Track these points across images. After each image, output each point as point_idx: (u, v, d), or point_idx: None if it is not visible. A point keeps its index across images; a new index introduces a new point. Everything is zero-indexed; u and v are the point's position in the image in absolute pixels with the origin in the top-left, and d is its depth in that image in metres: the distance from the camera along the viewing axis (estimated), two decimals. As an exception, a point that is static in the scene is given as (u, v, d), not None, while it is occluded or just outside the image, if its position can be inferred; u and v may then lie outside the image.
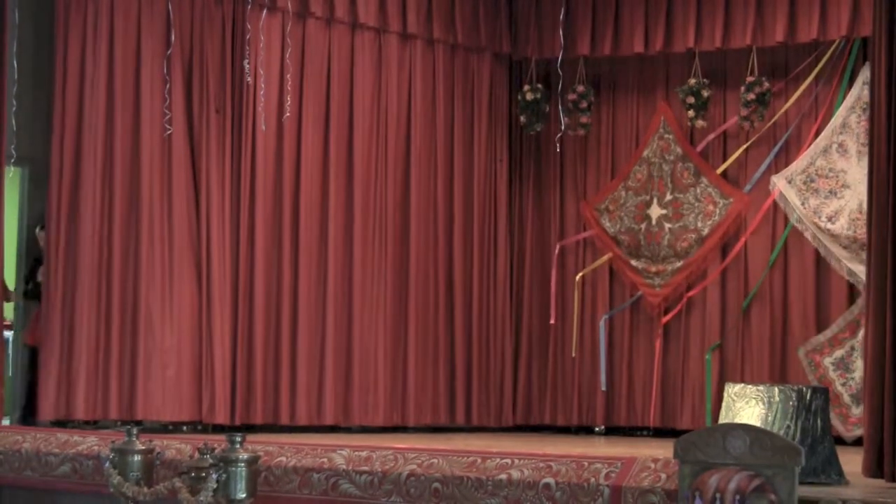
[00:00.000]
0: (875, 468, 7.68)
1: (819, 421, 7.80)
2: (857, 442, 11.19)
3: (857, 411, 11.90)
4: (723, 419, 8.01)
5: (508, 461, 7.29)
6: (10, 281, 11.68)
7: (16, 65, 10.84)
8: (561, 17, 13.28)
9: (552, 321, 13.43)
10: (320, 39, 12.45)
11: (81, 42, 11.22)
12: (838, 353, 12.20)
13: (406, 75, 13.01)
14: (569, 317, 13.45)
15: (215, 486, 7.16)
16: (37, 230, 11.47)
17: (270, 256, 12.03)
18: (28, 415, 11.26)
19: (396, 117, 12.90)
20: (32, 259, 11.57)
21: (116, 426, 10.80)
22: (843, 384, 12.06)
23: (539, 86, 13.52)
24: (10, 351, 11.86)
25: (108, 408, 11.15)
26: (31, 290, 11.52)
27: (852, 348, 12.11)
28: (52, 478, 8.74)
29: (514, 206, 13.78)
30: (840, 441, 8.15)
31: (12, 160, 10.94)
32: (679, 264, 13.02)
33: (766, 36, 12.59)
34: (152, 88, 11.45)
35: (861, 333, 11.94)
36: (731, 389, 8.07)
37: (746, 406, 7.90)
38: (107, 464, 7.66)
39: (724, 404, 8.10)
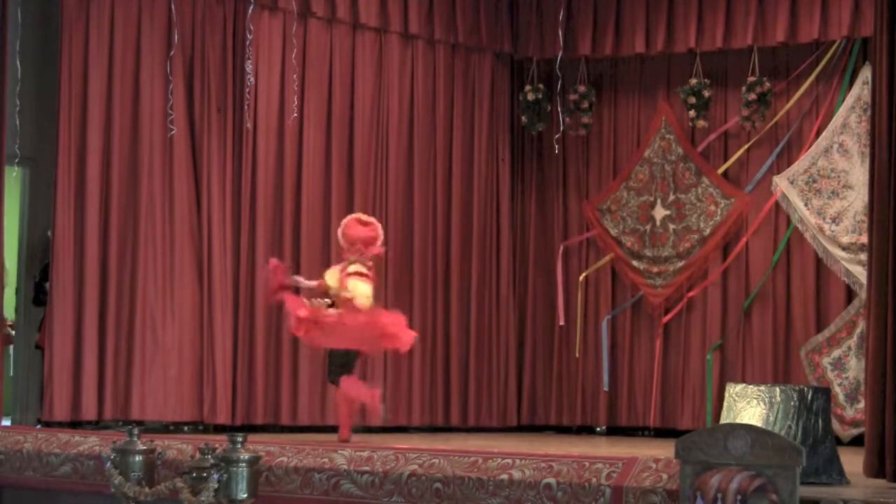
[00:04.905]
0: (876, 468, 7.69)
1: (820, 421, 7.80)
2: (855, 442, 11.22)
3: (850, 411, 11.91)
4: (724, 419, 8.01)
5: (510, 461, 7.29)
6: (12, 279, 11.69)
7: (18, 65, 10.85)
8: (562, 17, 13.29)
9: (560, 322, 13.44)
10: (321, 39, 12.46)
11: (84, 42, 11.23)
12: (836, 352, 12.21)
13: (407, 75, 13.02)
14: (572, 317, 13.46)
15: (216, 486, 7.17)
16: None
17: (271, 256, 12.02)
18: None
19: (398, 117, 12.91)
20: (43, 265, 11.55)
21: (118, 426, 10.81)
22: (840, 384, 12.08)
23: (540, 86, 13.52)
24: (10, 351, 11.88)
25: (110, 408, 11.15)
26: (41, 297, 11.51)
27: (849, 348, 12.13)
28: (53, 478, 8.75)
29: (516, 206, 13.79)
30: (837, 441, 8.15)
31: (16, 160, 10.96)
32: (680, 264, 13.03)
33: (768, 36, 12.59)
34: (154, 88, 11.47)
35: (857, 333, 11.97)
36: (733, 389, 8.07)
37: (748, 406, 7.90)
38: (108, 464, 7.67)
39: (725, 404, 8.10)
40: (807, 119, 12.66)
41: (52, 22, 11.33)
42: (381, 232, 10.51)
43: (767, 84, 12.60)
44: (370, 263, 10.44)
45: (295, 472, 7.87)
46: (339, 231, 10.56)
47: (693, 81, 12.88)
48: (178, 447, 8.26)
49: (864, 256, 11.24)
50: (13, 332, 11.82)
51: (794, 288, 12.63)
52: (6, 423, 10.92)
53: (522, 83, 13.70)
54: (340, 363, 10.34)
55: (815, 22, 12.31)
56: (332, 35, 12.52)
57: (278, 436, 11.20)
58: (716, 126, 13.01)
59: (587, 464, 7.06)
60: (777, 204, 12.66)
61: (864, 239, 11.58)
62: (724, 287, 12.94)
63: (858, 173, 12.10)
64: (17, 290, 11.99)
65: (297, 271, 12.15)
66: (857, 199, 12.16)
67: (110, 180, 11.29)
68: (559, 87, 13.36)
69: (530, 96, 13.51)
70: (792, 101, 12.66)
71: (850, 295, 12.29)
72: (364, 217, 10.63)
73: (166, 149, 11.52)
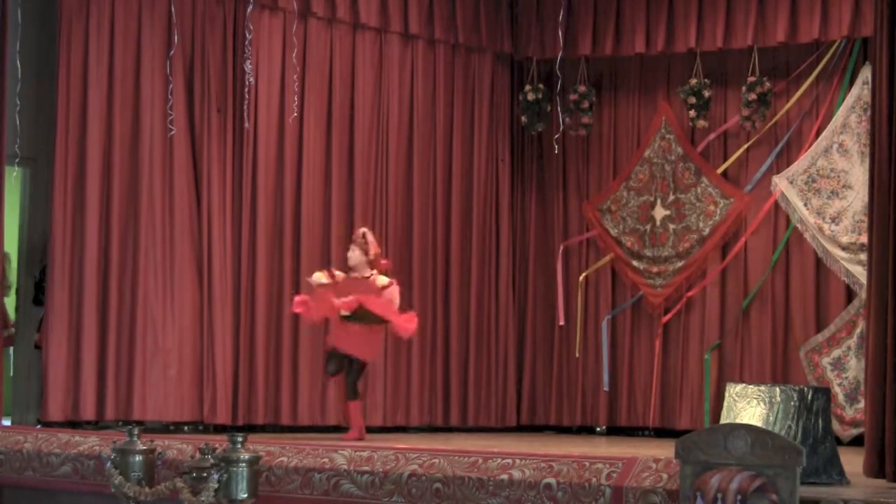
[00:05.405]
0: (876, 468, 7.69)
1: (820, 421, 7.80)
2: (854, 442, 11.23)
3: (850, 412, 11.91)
4: (724, 419, 8.01)
5: (510, 461, 7.29)
6: (13, 277, 11.69)
7: (19, 64, 10.85)
8: (562, 17, 13.29)
9: (560, 322, 13.45)
10: (321, 39, 12.46)
11: (84, 42, 11.22)
12: (836, 352, 12.21)
13: (407, 75, 13.02)
14: (572, 317, 13.46)
15: (216, 486, 7.17)
16: None
17: (272, 256, 12.03)
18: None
19: (398, 117, 12.91)
20: (43, 265, 11.54)
21: (118, 426, 10.81)
22: (839, 384, 12.08)
23: (540, 86, 13.52)
24: (10, 351, 11.87)
25: (110, 408, 11.15)
26: (41, 297, 11.51)
27: (849, 348, 12.12)
28: (53, 478, 8.75)
29: (515, 206, 13.79)
30: (837, 441, 8.15)
31: (16, 160, 10.96)
32: (680, 264, 13.03)
33: (768, 36, 12.60)
34: (154, 88, 11.46)
35: (857, 333, 11.96)
36: (733, 389, 8.07)
37: (748, 406, 7.90)
38: (108, 464, 7.67)
39: (725, 404, 8.10)
40: (807, 119, 12.65)
41: (52, 22, 11.32)
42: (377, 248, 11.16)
43: (767, 84, 12.60)
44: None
45: (295, 472, 7.87)
46: (373, 240, 11.04)
47: (693, 81, 12.88)
48: (178, 447, 8.26)
49: (863, 256, 11.24)
50: (14, 332, 11.81)
51: (794, 288, 12.62)
52: (6, 423, 10.91)
53: (522, 83, 13.70)
54: (339, 358, 10.78)
55: (815, 22, 12.31)
56: (332, 35, 12.52)
57: (278, 436, 11.20)
58: (716, 126, 13.01)
59: (587, 464, 7.06)
60: (776, 204, 12.66)
61: (864, 239, 11.58)
62: (722, 287, 12.94)
63: (858, 173, 12.10)
64: (17, 290, 11.98)
65: (297, 271, 12.17)
66: (856, 198, 12.16)
67: (110, 180, 11.28)
68: (559, 87, 13.36)
69: (530, 96, 13.51)
70: (792, 101, 12.66)
71: (849, 295, 12.29)
72: (367, 232, 11.20)
73: (166, 149, 11.51)
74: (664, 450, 7.23)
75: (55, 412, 10.88)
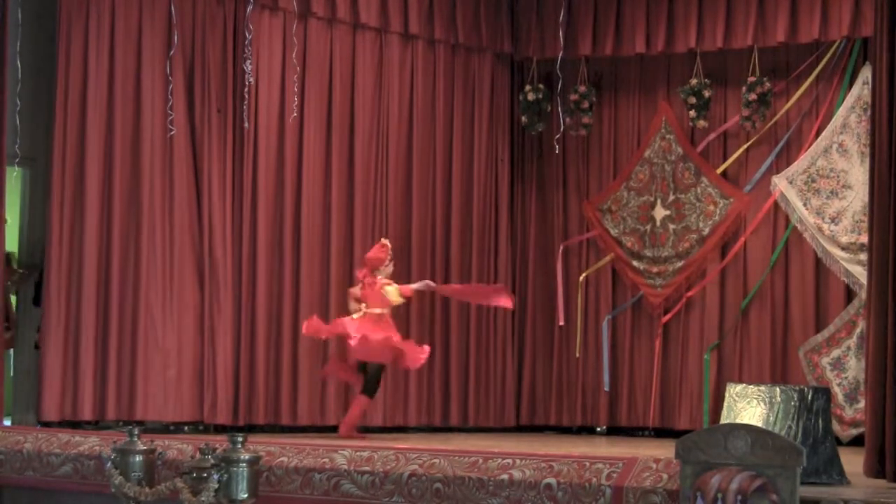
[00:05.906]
0: (876, 468, 7.70)
1: (820, 421, 7.81)
2: (854, 442, 11.23)
3: (850, 412, 11.92)
4: (724, 419, 8.02)
5: (510, 461, 7.29)
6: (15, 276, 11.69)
7: (19, 64, 10.85)
8: (562, 17, 13.29)
9: (560, 322, 13.45)
10: (321, 39, 12.46)
11: (84, 42, 11.22)
12: (835, 352, 12.21)
13: (407, 75, 13.02)
14: (572, 317, 13.46)
15: (217, 486, 7.17)
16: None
17: (272, 256, 12.04)
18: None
19: (398, 117, 12.91)
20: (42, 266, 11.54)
21: (118, 426, 10.81)
22: (839, 384, 12.09)
23: (540, 86, 13.52)
24: (11, 351, 11.86)
25: (110, 408, 11.15)
26: (41, 298, 11.50)
27: (848, 348, 12.13)
28: (53, 478, 8.75)
29: (515, 206, 13.79)
30: (837, 441, 8.16)
31: (16, 160, 10.95)
32: (680, 264, 13.03)
33: (768, 36, 12.60)
34: (154, 88, 11.47)
35: (856, 333, 11.97)
36: (733, 389, 8.08)
37: (748, 406, 7.91)
38: (108, 464, 7.67)
39: (725, 404, 8.11)
40: (807, 119, 12.66)
41: (52, 22, 11.31)
42: (387, 254, 11.34)
43: (767, 84, 12.60)
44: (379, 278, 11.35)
45: (295, 472, 7.88)
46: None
47: (693, 81, 12.89)
48: (179, 447, 8.26)
49: (863, 256, 11.25)
50: (15, 333, 11.78)
51: (793, 288, 12.63)
52: (6, 423, 10.91)
53: (522, 83, 13.70)
54: (376, 378, 11.29)
55: (815, 22, 12.31)
56: (332, 35, 12.52)
57: (278, 436, 11.20)
58: (716, 126, 13.01)
59: (587, 464, 7.06)
60: (776, 204, 12.66)
61: (864, 239, 11.59)
62: (722, 287, 12.94)
63: (858, 173, 12.10)
64: (17, 291, 11.97)
65: (297, 270, 12.18)
66: (856, 198, 12.16)
67: (110, 180, 11.28)
68: (559, 87, 13.36)
69: (530, 96, 13.51)
70: (792, 101, 12.66)
71: (849, 295, 12.29)
72: (384, 241, 11.53)
73: (166, 149, 11.51)
74: (664, 450, 7.23)
75: (50, 412, 10.88)
